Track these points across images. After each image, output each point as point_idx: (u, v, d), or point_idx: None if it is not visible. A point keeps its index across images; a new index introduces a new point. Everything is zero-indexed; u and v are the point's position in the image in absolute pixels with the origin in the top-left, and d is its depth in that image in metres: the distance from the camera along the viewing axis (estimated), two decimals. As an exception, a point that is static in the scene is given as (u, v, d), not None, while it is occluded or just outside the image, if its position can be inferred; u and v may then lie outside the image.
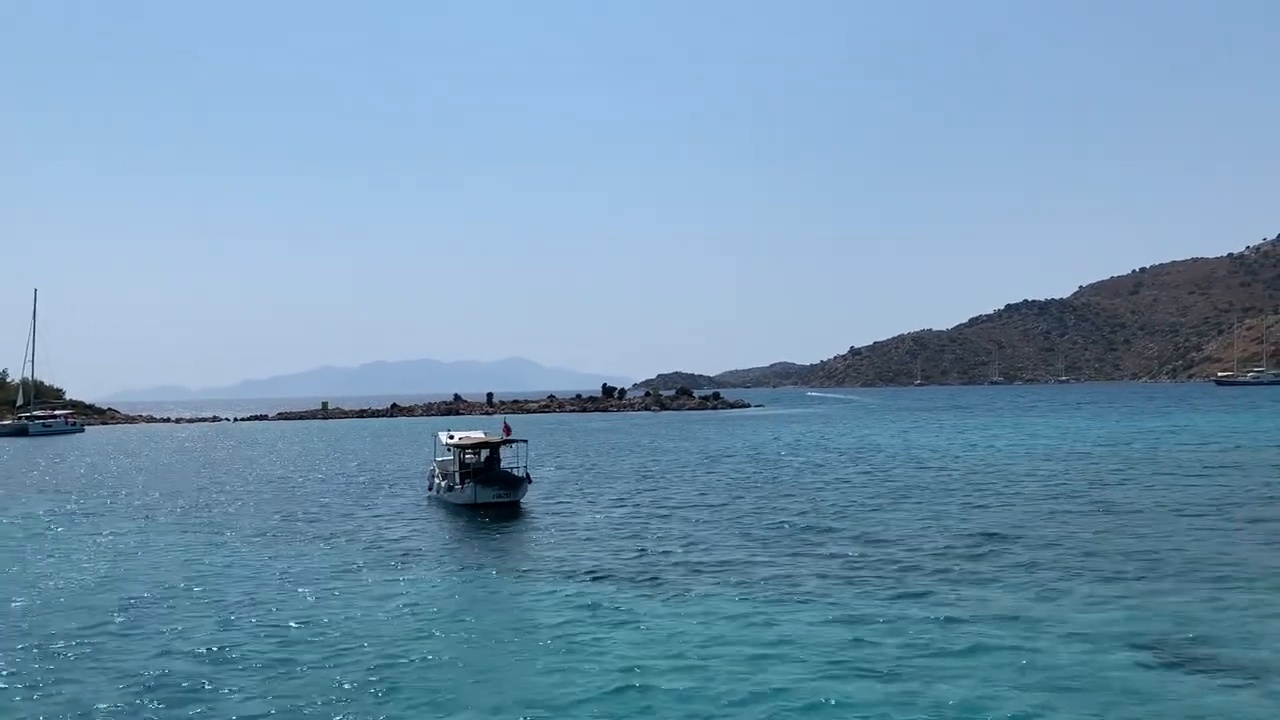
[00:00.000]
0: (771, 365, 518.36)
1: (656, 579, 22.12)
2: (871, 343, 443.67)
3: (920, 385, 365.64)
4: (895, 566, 22.82)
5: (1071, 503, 33.17)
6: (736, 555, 24.79)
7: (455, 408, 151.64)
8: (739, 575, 22.25)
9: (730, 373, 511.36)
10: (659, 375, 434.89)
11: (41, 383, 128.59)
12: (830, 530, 28.55)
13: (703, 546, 26.24)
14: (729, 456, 57.72)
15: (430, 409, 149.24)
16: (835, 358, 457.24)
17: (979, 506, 32.76)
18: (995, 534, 26.94)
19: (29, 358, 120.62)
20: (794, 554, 24.86)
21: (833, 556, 24.31)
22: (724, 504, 35.19)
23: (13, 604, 20.92)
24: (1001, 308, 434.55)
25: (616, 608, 19.56)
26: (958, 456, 53.68)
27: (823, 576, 21.90)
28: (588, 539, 28.11)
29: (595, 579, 22.40)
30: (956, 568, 22.50)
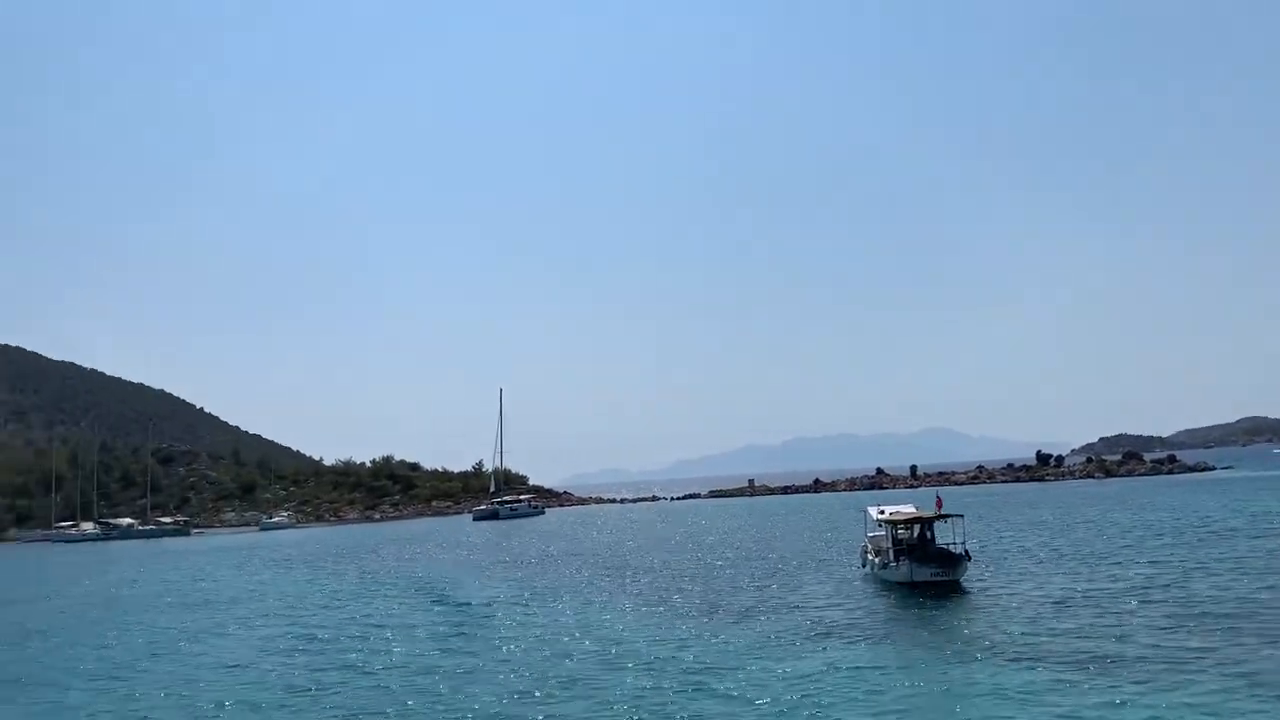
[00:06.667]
0: (1238, 421, 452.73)
1: (1110, 669, 20.16)
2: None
3: None
4: None
5: None
6: (1217, 646, 21.83)
7: (878, 481, 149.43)
8: (1210, 669, 19.58)
9: (1185, 432, 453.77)
10: (1100, 439, 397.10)
11: (509, 470, 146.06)
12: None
13: (1173, 636, 23.44)
14: (1199, 529, 51.14)
15: (853, 484, 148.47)
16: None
17: None
18: None
19: (498, 449, 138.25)
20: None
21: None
22: (1195, 588, 31.26)
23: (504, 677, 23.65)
24: None
25: (1058, 697, 18.12)
26: None
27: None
28: (1035, 622, 26.28)
29: (1040, 665, 20.93)
30: None
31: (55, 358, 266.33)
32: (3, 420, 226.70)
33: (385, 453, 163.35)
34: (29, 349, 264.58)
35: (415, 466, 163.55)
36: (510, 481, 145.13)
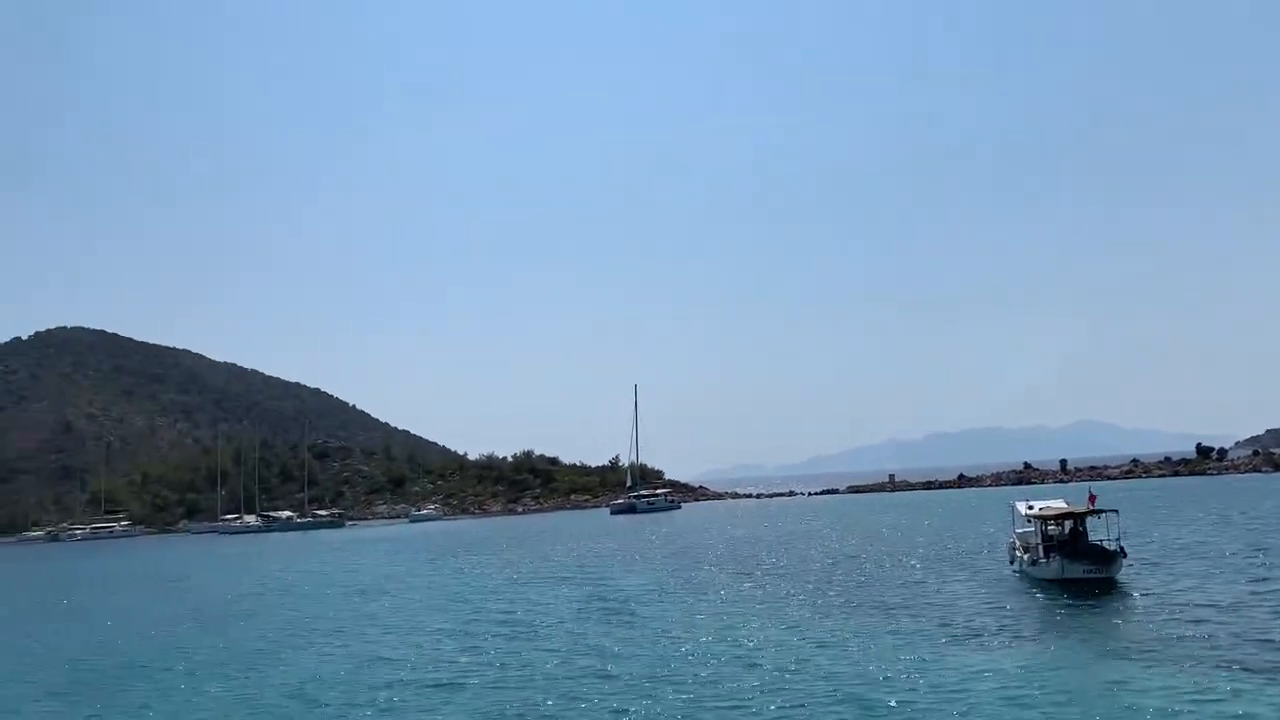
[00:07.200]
0: None
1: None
2: None
3: None
4: None
5: None
6: None
7: (1026, 476, 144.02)
8: None
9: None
10: (1268, 430, 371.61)
11: (645, 465, 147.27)
12: None
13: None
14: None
15: (999, 479, 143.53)
16: None
17: None
18: None
19: (634, 445, 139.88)
20: None
21: None
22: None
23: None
24: None
25: (1230, 705, 17.07)
26: None
27: None
28: (1201, 623, 24.83)
29: (1210, 668, 19.78)
30: None
31: (218, 359, 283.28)
32: (174, 420, 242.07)
33: (525, 448, 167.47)
34: (194, 351, 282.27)
35: (554, 461, 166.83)
36: (646, 476, 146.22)
